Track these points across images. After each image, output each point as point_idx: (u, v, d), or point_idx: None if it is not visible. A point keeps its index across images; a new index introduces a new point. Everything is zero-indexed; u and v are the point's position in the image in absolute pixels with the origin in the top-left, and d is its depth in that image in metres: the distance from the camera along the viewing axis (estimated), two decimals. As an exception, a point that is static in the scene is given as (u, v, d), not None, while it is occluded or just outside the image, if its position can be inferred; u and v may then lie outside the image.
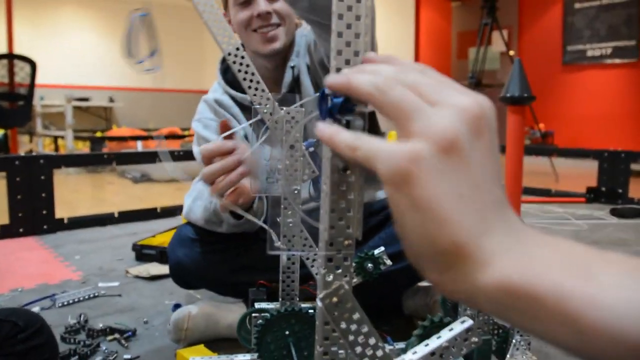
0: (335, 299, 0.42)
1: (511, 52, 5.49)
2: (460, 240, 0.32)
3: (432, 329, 0.75)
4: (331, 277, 0.43)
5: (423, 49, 7.88)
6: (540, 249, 0.32)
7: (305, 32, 1.37)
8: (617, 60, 6.29)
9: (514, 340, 0.96)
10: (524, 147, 2.25)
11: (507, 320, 0.33)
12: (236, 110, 1.39)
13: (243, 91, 1.37)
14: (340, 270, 0.43)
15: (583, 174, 4.49)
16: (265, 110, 0.86)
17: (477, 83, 5.15)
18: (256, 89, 0.86)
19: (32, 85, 4.72)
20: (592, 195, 3.46)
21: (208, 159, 0.91)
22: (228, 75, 1.42)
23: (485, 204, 0.33)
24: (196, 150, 1.38)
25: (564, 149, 3.98)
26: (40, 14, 9.49)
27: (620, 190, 3.36)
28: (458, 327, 0.53)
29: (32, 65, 4.70)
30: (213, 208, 1.14)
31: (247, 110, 1.37)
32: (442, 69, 8.37)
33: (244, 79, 0.86)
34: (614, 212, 3.01)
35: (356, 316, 0.43)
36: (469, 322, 0.53)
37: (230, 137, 0.96)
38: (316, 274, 0.92)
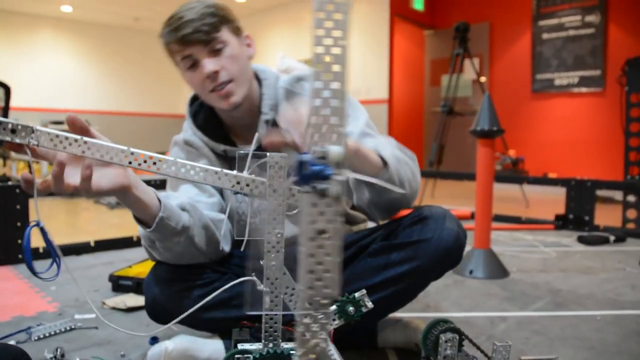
0: (312, 356, 0.43)
1: (482, 79, 5.65)
2: None
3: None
4: (309, 335, 0.44)
5: (397, 76, 8.04)
6: None
7: (283, 83, 1.38)
8: (584, 89, 6.51)
9: None
10: (495, 173, 2.34)
11: None
12: (207, 151, 1.39)
13: (214, 137, 1.38)
14: (317, 329, 0.44)
15: (553, 199, 4.61)
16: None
17: (449, 110, 5.27)
18: None
19: (6, 108, 4.68)
20: (561, 223, 3.57)
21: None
22: (199, 119, 1.41)
23: None
24: (169, 190, 1.38)
25: (533, 177, 4.08)
26: (16, 37, 9.43)
27: (586, 218, 3.47)
28: None
29: (6, 89, 4.67)
30: (143, 234, 1.13)
31: (218, 155, 1.39)
32: (415, 95, 8.58)
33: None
34: (581, 240, 3.11)
35: None
36: None
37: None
38: None
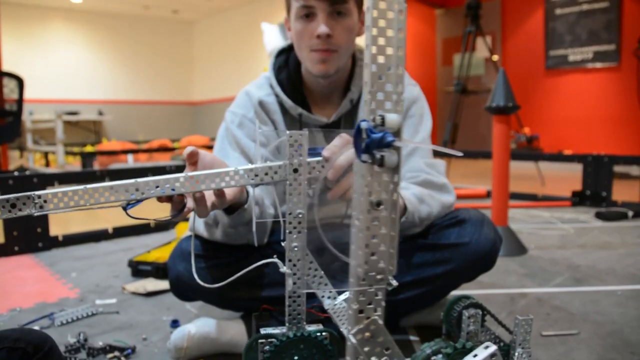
0: (367, 334, 0.42)
1: (495, 58, 5.57)
2: None
3: (455, 355, 0.76)
4: (363, 312, 0.42)
5: (409, 56, 7.95)
6: None
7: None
8: (598, 65, 6.40)
9: (516, 353, 0.99)
10: (511, 152, 2.31)
11: None
12: (279, 116, 1.34)
13: (293, 97, 1.33)
14: (372, 305, 0.42)
15: (568, 176, 4.56)
16: None
17: (462, 89, 5.21)
18: None
19: (20, 101, 4.72)
20: (578, 199, 3.53)
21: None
22: (281, 74, 1.36)
23: None
24: (218, 143, 1.34)
25: (549, 154, 4.04)
26: (28, 29, 9.46)
27: (604, 194, 3.43)
28: (482, 352, 0.53)
29: (19, 81, 4.70)
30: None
31: (289, 116, 1.34)
32: (427, 75, 8.49)
33: None
34: (598, 216, 3.08)
35: (388, 351, 0.42)
36: (492, 348, 0.53)
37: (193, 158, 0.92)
38: (322, 296, 0.93)
